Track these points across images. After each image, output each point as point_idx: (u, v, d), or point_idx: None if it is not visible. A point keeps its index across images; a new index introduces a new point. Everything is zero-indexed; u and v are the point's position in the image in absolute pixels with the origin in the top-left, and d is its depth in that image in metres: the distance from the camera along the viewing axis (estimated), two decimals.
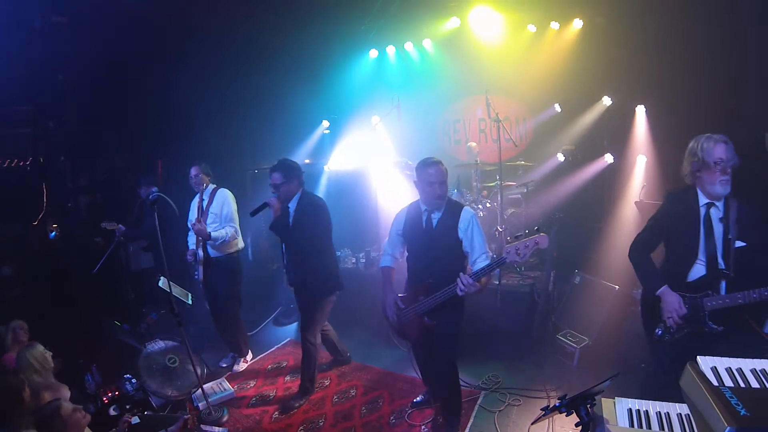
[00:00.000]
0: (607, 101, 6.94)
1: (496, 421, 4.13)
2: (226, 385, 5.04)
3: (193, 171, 5.26)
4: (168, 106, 6.96)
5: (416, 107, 7.99)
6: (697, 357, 1.76)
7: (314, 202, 4.55)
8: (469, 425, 4.12)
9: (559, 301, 5.71)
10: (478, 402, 4.41)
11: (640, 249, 3.30)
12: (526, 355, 5.13)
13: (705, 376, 1.63)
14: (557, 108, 7.54)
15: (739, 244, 2.91)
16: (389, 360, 5.32)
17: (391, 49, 8.40)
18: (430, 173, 3.53)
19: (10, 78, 5.56)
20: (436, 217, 3.66)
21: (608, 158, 6.75)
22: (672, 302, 3.00)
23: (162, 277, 4.57)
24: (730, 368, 1.69)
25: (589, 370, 4.71)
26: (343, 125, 8.35)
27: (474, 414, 4.25)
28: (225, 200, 5.25)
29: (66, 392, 3.89)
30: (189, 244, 5.35)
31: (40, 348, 3.92)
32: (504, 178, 6.37)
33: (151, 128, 7.13)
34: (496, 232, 6.16)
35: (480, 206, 6.48)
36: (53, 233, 6.92)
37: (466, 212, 3.60)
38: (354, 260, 6.84)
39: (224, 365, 5.57)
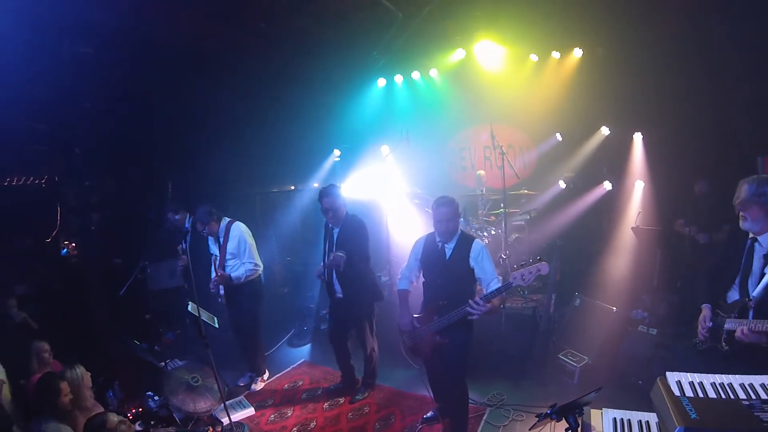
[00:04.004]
0: (605, 131, 7.18)
1: None
2: (246, 402, 5.31)
3: (198, 227, 5.42)
4: (181, 130, 7.30)
5: (424, 136, 8.19)
6: (666, 372, 2.06)
7: (357, 225, 4.98)
8: None
9: (561, 323, 5.92)
10: (484, 418, 4.65)
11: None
12: (529, 373, 5.36)
13: (669, 387, 1.94)
14: (558, 137, 7.76)
15: None
16: (400, 380, 5.51)
17: (398, 78, 8.62)
18: (441, 212, 3.92)
19: (32, 98, 5.80)
20: (449, 247, 4.03)
21: (607, 185, 6.97)
22: (703, 316, 3.23)
23: (191, 303, 4.81)
24: (692, 382, 1.99)
25: (589, 388, 4.84)
26: (354, 154, 8.54)
27: (480, 429, 4.50)
28: (240, 237, 5.40)
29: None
30: (212, 272, 5.46)
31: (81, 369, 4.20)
32: (508, 205, 6.64)
33: (164, 152, 7.44)
34: (500, 259, 6.39)
35: (485, 233, 6.77)
36: (65, 250, 7.15)
37: (477, 244, 3.98)
38: None
39: (242, 384, 5.78)
